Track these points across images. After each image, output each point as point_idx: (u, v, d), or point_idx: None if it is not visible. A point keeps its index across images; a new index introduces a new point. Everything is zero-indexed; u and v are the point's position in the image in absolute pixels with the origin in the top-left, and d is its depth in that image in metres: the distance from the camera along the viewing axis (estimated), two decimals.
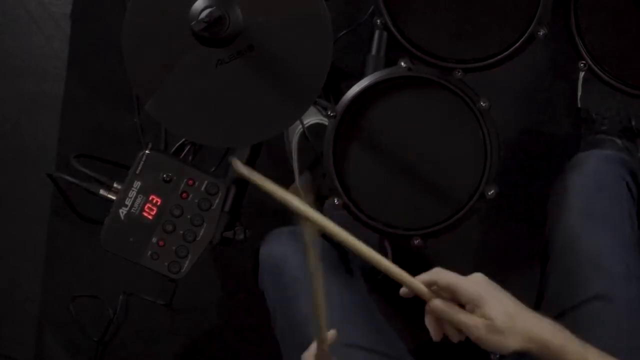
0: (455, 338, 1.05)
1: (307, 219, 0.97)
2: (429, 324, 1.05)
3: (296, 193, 0.98)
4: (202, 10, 1.14)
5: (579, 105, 1.71)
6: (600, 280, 1.21)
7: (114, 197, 1.36)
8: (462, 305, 1.02)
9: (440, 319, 1.04)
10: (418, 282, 1.03)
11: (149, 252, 1.36)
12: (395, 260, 1.54)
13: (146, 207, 1.35)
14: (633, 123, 1.64)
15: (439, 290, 1.03)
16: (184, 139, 1.50)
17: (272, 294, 1.29)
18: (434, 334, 1.05)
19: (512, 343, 1.00)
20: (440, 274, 1.03)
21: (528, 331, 1.00)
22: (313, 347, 1.04)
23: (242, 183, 1.41)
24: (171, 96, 1.21)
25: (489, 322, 1.00)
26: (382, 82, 1.28)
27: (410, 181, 1.30)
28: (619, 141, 1.61)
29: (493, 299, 1.01)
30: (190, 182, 1.36)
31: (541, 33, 1.24)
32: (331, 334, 1.04)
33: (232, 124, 1.23)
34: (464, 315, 1.02)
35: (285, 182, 1.78)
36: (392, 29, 1.27)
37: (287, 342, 1.26)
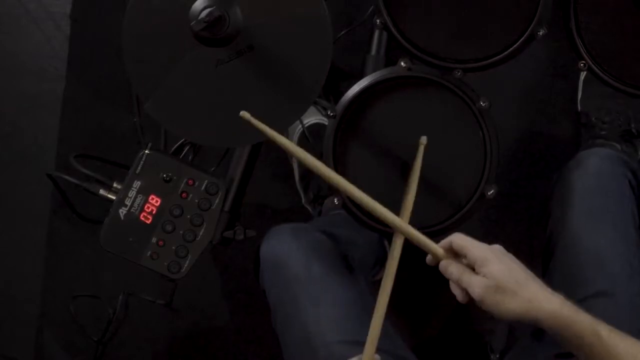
0: (461, 297, 1.06)
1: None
2: (451, 287, 1.07)
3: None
4: (202, 10, 1.14)
5: (579, 108, 1.71)
6: (602, 278, 1.21)
7: (113, 197, 1.36)
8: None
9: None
10: (433, 243, 1.08)
11: (149, 252, 1.36)
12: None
13: (146, 207, 1.35)
14: (633, 126, 1.64)
15: (454, 252, 1.07)
16: (183, 139, 1.49)
17: (272, 291, 1.30)
18: (458, 296, 1.06)
19: (515, 306, 1.01)
20: (455, 237, 1.06)
21: (534, 299, 1.01)
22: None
23: (247, 170, 1.42)
24: (171, 96, 1.21)
25: (490, 280, 1.01)
26: (382, 82, 1.28)
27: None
28: (618, 146, 1.61)
29: (500, 261, 1.03)
30: (190, 182, 1.36)
31: (541, 33, 1.24)
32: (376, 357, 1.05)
33: (232, 124, 1.23)
34: (467, 274, 1.04)
35: (286, 182, 1.79)
36: (392, 29, 1.27)
37: (287, 339, 1.26)
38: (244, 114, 1.10)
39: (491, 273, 1.02)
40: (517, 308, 1.01)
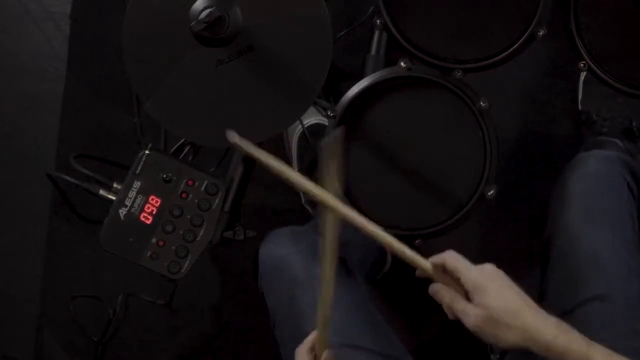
0: (452, 317, 1.03)
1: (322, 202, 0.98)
2: (443, 305, 1.04)
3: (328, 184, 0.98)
4: (202, 10, 1.14)
5: (580, 108, 1.71)
6: (600, 281, 1.21)
7: (113, 197, 1.36)
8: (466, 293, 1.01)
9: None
10: (424, 261, 1.03)
11: (149, 252, 1.36)
12: (394, 261, 1.55)
13: (146, 207, 1.35)
14: (634, 124, 1.64)
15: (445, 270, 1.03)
16: (183, 139, 1.50)
17: (272, 295, 1.29)
18: (449, 315, 1.04)
19: (510, 337, 0.99)
20: (448, 257, 1.03)
21: (528, 330, 0.99)
22: (308, 340, 1.04)
23: (247, 170, 1.42)
24: (171, 96, 1.21)
25: (485, 311, 0.99)
26: (382, 82, 1.28)
27: (410, 181, 1.30)
28: (620, 143, 1.61)
29: (495, 290, 1.00)
30: (190, 182, 1.36)
31: (541, 33, 1.24)
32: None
33: (232, 124, 1.23)
34: (460, 303, 1.01)
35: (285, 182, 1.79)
36: (392, 29, 1.27)
37: (286, 343, 1.26)
38: (233, 137, 1.04)
39: (486, 304, 0.99)
40: (510, 339, 0.99)
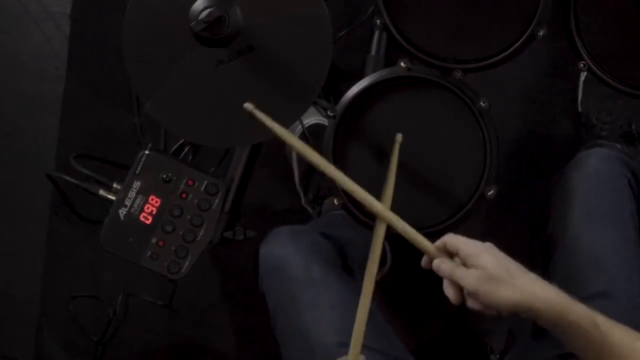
0: (454, 298, 1.06)
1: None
2: (444, 288, 1.08)
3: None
4: (202, 10, 1.14)
5: (579, 109, 1.71)
6: (601, 279, 1.21)
7: (113, 198, 1.36)
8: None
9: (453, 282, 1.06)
10: (426, 241, 1.09)
11: (149, 253, 1.36)
12: (394, 261, 1.55)
13: (146, 207, 1.35)
14: (633, 127, 1.64)
15: (448, 252, 1.08)
16: (183, 139, 1.49)
17: (272, 294, 1.29)
18: (451, 296, 1.07)
19: (509, 294, 1.00)
20: (448, 237, 1.08)
21: (528, 287, 1.01)
22: None
23: (247, 170, 1.42)
24: (171, 96, 1.21)
25: (482, 271, 1.02)
26: (382, 82, 1.28)
27: (410, 181, 1.30)
28: (619, 146, 1.61)
29: (490, 254, 1.04)
30: (190, 182, 1.36)
31: (541, 33, 1.24)
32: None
33: (232, 124, 1.23)
34: (460, 269, 1.04)
35: (286, 182, 1.79)
36: (392, 29, 1.27)
37: (287, 343, 1.26)
38: (248, 105, 1.12)
39: (482, 264, 1.02)
40: (511, 296, 1.01)
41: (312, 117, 1.68)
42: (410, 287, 1.64)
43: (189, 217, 1.36)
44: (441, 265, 1.07)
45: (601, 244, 1.24)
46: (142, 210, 1.35)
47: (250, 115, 1.13)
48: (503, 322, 1.61)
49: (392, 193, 1.17)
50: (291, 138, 1.12)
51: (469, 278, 1.03)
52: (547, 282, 1.03)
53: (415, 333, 1.71)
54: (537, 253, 1.36)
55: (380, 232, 1.12)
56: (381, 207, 1.12)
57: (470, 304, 1.04)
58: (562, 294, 1.01)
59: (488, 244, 1.07)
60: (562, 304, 1.00)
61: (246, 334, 1.83)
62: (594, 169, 1.33)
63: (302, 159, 1.67)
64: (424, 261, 1.11)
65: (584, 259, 1.23)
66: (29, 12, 1.92)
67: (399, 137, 1.24)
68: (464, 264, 1.05)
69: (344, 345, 1.17)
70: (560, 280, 1.24)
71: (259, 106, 1.14)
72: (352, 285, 1.29)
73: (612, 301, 1.18)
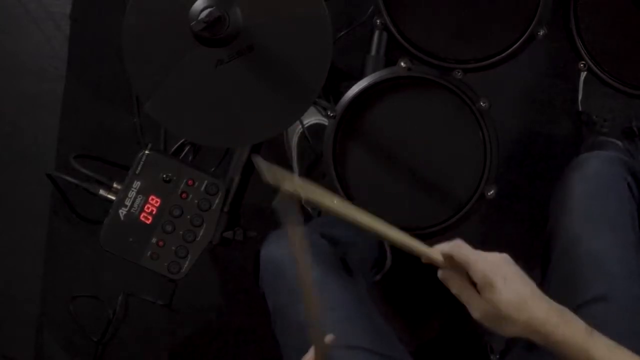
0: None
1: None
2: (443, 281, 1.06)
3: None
4: (202, 10, 1.14)
5: (580, 108, 1.71)
6: (601, 282, 1.21)
7: (113, 198, 1.36)
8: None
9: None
10: (436, 252, 1.04)
11: (149, 252, 1.36)
12: (394, 261, 1.55)
13: (146, 207, 1.35)
14: (634, 124, 1.64)
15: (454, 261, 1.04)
16: (183, 139, 1.50)
17: (272, 295, 1.29)
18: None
19: (513, 330, 1.01)
20: (458, 248, 1.03)
21: (532, 323, 1.00)
22: (311, 352, 1.05)
23: (247, 170, 1.42)
24: (171, 96, 1.21)
25: (492, 308, 1.00)
26: (382, 82, 1.28)
27: (410, 181, 1.30)
28: (620, 143, 1.61)
29: (503, 284, 1.00)
30: (190, 182, 1.35)
31: (541, 33, 1.24)
32: (329, 337, 1.04)
33: (232, 124, 1.23)
34: (468, 293, 1.02)
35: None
36: (392, 29, 1.27)
37: (287, 343, 1.26)
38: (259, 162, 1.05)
39: (494, 301, 1.00)
40: (514, 331, 1.01)
41: (312, 117, 1.68)
42: (410, 287, 1.64)
43: (189, 217, 1.36)
44: (449, 280, 1.04)
45: (601, 246, 1.24)
46: (142, 210, 1.35)
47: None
48: None
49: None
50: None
51: (476, 309, 1.01)
52: (552, 305, 1.01)
53: (415, 333, 1.71)
54: (536, 253, 1.36)
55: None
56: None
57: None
58: (563, 324, 1.00)
59: (498, 260, 1.02)
60: (559, 336, 1.00)
61: (246, 334, 1.83)
62: (594, 171, 1.33)
63: (302, 159, 1.67)
64: (425, 260, 1.09)
65: (583, 259, 1.23)
66: (29, 12, 1.92)
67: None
68: (472, 283, 1.02)
69: (344, 347, 1.17)
70: (560, 282, 1.24)
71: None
72: (351, 286, 1.29)
73: (611, 304, 1.18)
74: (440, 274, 1.05)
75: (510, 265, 1.03)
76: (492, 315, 1.01)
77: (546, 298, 1.02)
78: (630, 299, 1.20)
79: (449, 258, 1.04)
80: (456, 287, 1.03)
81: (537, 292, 1.02)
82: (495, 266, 1.02)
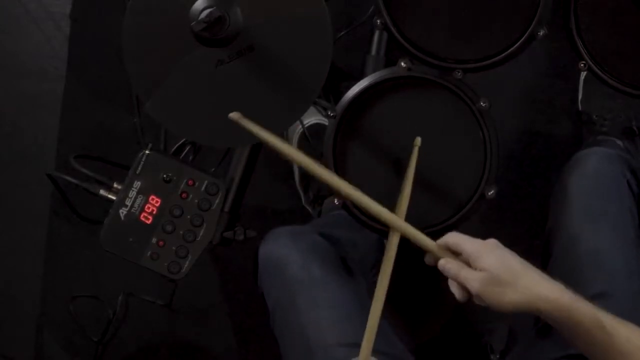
0: (460, 296, 1.07)
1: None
2: (450, 285, 1.08)
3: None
4: (202, 10, 1.14)
5: (580, 108, 1.71)
6: (601, 279, 1.21)
7: (114, 197, 1.36)
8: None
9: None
10: (430, 240, 1.09)
11: (149, 252, 1.36)
12: (395, 261, 1.55)
13: (146, 207, 1.35)
14: (634, 124, 1.64)
15: (451, 250, 1.08)
16: (184, 139, 1.50)
17: (271, 294, 1.29)
18: (457, 294, 1.07)
19: (514, 297, 1.01)
20: (450, 234, 1.09)
21: (532, 287, 1.01)
22: None
23: (247, 170, 1.42)
24: (171, 96, 1.21)
25: (486, 273, 1.02)
26: (382, 82, 1.28)
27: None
28: (619, 142, 1.61)
29: (494, 254, 1.04)
30: (190, 182, 1.36)
31: (541, 33, 1.24)
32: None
33: (232, 124, 1.23)
34: (465, 270, 1.05)
35: (286, 182, 1.79)
36: (392, 29, 1.27)
37: (286, 342, 1.26)
38: (234, 114, 1.11)
39: (485, 266, 1.03)
40: (516, 298, 1.01)
41: (312, 117, 1.68)
42: (410, 287, 1.64)
43: (189, 217, 1.36)
44: (447, 265, 1.07)
45: (601, 244, 1.24)
46: (142, 210, 1.35)
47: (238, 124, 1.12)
48: (504, 321, 1.62)
49: (408, 200, 1.17)
50: (282, 145, 1.11)
51: (473, 281, 1.03)
52: (551, 280, 1.03)
53: (415, 333, 1.71)
54: (537, 253, 1.36)
55: (393, 240, 1.12)
56: (380, 209, 1.12)
57: (477, 301, 1.05)
58: (567, 293, 1.01)
59: (491, 241, 1.07)
60: (567, 304, 1.00)
61: (246, 334, 1.83)
62: (593, 169, 1.33)
63: None
64: (427, 258, 1.11)
65: (583, 257, 1.23)
66: (29, 12, 1.92)
67: (418, 140, 1.23)
68: (468, 264, 1.05)
69: (343, 345, 1.17)
70: (560, 280, 1.24)
71: (249, 114, 1.13)
72: (351, 285, 1.29)
73: (612, 301, 1.18)
74: (439, 263, 1.08)
75: (502, 246, 1.07)
76: (489, 281, 1.02)
77: (545, 274, 1.04)
78: (631, 296, 1.20)
79: (444, 246, 1.08)
80: (454, 267, 1.06)
81: (535, 268, 1.04)
82: (484, 243, 1.07)
